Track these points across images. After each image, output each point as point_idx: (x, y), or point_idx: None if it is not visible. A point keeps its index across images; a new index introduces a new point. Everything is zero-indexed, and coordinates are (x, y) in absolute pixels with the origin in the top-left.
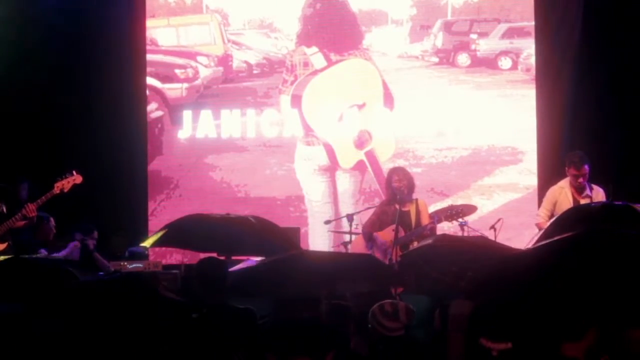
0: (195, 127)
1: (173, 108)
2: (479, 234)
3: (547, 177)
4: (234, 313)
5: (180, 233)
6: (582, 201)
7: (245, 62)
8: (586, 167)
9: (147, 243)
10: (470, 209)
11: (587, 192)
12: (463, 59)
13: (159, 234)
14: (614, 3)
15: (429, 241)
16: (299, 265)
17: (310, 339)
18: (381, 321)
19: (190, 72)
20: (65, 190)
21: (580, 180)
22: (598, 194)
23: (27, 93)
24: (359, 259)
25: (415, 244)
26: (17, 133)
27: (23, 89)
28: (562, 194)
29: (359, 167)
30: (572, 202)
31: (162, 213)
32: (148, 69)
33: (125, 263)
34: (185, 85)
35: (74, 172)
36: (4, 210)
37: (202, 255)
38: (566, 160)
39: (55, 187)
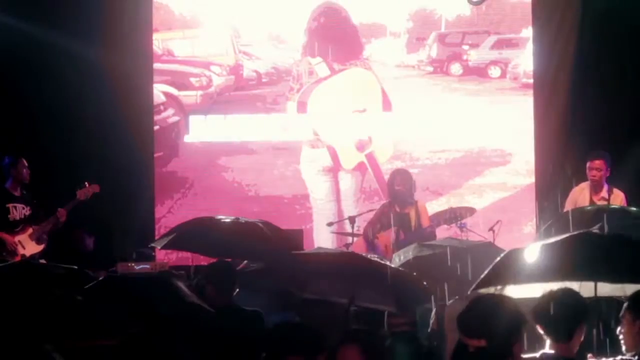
0: (208, 131)
1: (188, 114)
2: (479, 236)
3: (542, 177)
4: (242, 315)
5: (190, 236)
6: (598, 202)
7: (255, 71)
8: (599, 162)
9: (157, 244)
10: (468, 211)
11: (604, 193)
12: (456, 68)
13: (170, 236)
14: (611, 8)
15: (410, 254)
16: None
17: (304, 338)
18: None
19: (204, 80)
20: (88, 198)
21: (594, 173)
22: (617, 198)
23: (40, 100)
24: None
25: (397, 260)
26: (30, 139)
27: (37, 97)
28: (582, 195)
29: (360, 168)
30: (588, 202)
31: (178, 211)
32: (165, 78)
33: (133, 264)
34: (200, 92)
35: (87, 184)
36: (28, 212)
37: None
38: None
39: (78, 194)
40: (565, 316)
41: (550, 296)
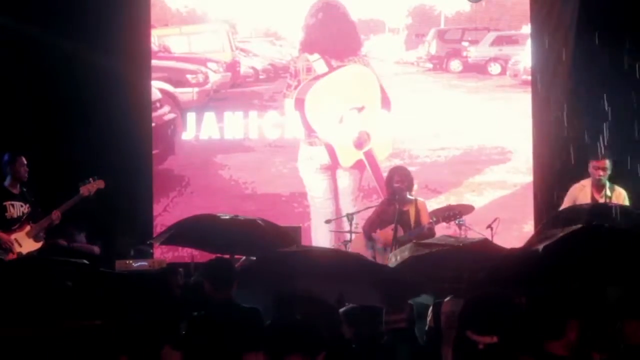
0: (204, 128)
1: (185, 111)
2: (478, 234)
3: (540, 175)
4: (240, 312)
5: (189, 232)
6: (600, 200)
7: (252, 67)
8: (605, 161)
9: (156, 240)
10: (467, 208)
11: (606, 191)
12: (455, 65)
13: (169, 233)
14: (609, 4)
15: (406, 254)
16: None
17: (303, 337)
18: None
19: (200, 77)
20: (92, 194)
21: (600, 173)
22: (619, 196)
23: (37, 98)
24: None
25: (394, 260)
26: (27, 137)
27: (34, 94)
28: (583, 192)
29: (358, 166)
30: (590, 200)
31: (174, 209)
32: (161, 75)
33: (131, 261)
34: (196, 89)
35: (92, 179)
36: (26, 210)
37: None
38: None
39: (81, 190)
40: (553, 313)
41: (537, 294)
